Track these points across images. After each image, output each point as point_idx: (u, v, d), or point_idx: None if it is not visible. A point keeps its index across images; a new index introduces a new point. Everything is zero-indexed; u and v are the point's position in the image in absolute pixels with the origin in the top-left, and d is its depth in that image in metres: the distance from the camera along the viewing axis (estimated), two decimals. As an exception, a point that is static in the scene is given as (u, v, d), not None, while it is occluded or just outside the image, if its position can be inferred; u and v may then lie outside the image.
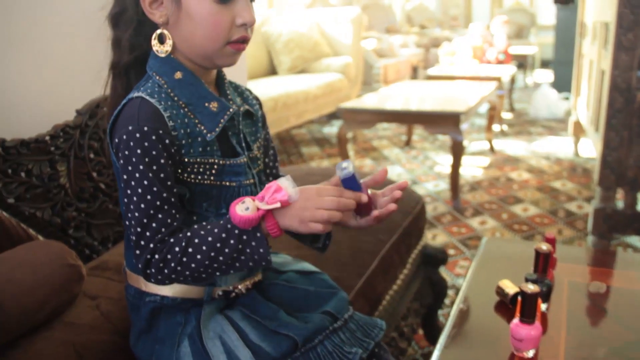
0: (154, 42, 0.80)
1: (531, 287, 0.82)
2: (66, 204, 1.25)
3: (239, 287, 0.90)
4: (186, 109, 0.79)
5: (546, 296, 0.94)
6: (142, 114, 0.75)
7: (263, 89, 3.66)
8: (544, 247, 0.95)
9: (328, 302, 0.94)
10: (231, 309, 0.89)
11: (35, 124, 1.28)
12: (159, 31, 0.80)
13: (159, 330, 0.87)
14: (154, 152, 0.74)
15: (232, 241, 0.75)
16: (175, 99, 0.79)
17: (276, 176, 0.99)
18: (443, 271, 2.04)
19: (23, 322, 0.95)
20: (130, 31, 0.82)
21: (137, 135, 0.74)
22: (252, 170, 0.88)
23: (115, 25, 0.83)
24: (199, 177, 0.81)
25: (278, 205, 0.74)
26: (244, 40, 0.80)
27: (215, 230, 0.76)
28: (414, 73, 6.07)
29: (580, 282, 1.05)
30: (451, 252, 2.40)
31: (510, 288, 0.95)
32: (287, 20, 4.64)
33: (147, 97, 0.77)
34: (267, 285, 0.95)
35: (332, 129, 4.96)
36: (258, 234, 0.75)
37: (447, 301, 1.87)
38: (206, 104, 0.80)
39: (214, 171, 0.82)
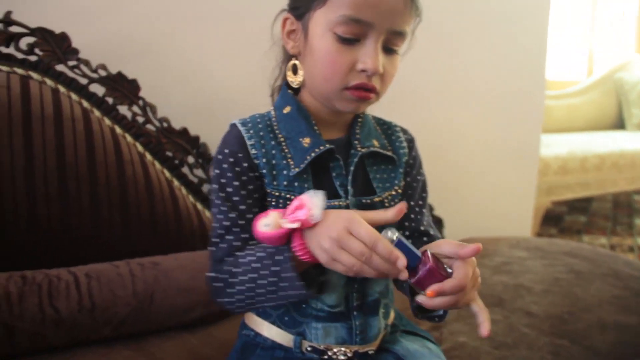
0: (289, 72, 0.77)
1: None
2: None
3: (334, 350, 0.77)
4: (283, 143, 0.75)
5: None
6: (227, 138, 0.75)
7: (592, 144, 3.19)
8: None
9: None
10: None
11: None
12: (292, 62, 0.77)
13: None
14: (229, 174, 0.73)
15: (269, 263, 0.68)
16: (277, 132, 0.76)
17: (423, 233, 0.84)
18: None
19: (170, 318, 1.01)
20: (285, 57, 0.82)
21: (219, 157, 0.74)
22: None
23: (283, 49, 0.83)
24: None
25: (297, 224, 0.63)
26: (365, 88, 0.71)
27: (258, 251, 0.70)
28: None
29: None
30: None
31: None
32: (651, 68, 3.93)
33: (239, 125, 0.76)
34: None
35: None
36: (288, 258, 0.66)
37: None
38: (300, 139, 0.75)
39: None
